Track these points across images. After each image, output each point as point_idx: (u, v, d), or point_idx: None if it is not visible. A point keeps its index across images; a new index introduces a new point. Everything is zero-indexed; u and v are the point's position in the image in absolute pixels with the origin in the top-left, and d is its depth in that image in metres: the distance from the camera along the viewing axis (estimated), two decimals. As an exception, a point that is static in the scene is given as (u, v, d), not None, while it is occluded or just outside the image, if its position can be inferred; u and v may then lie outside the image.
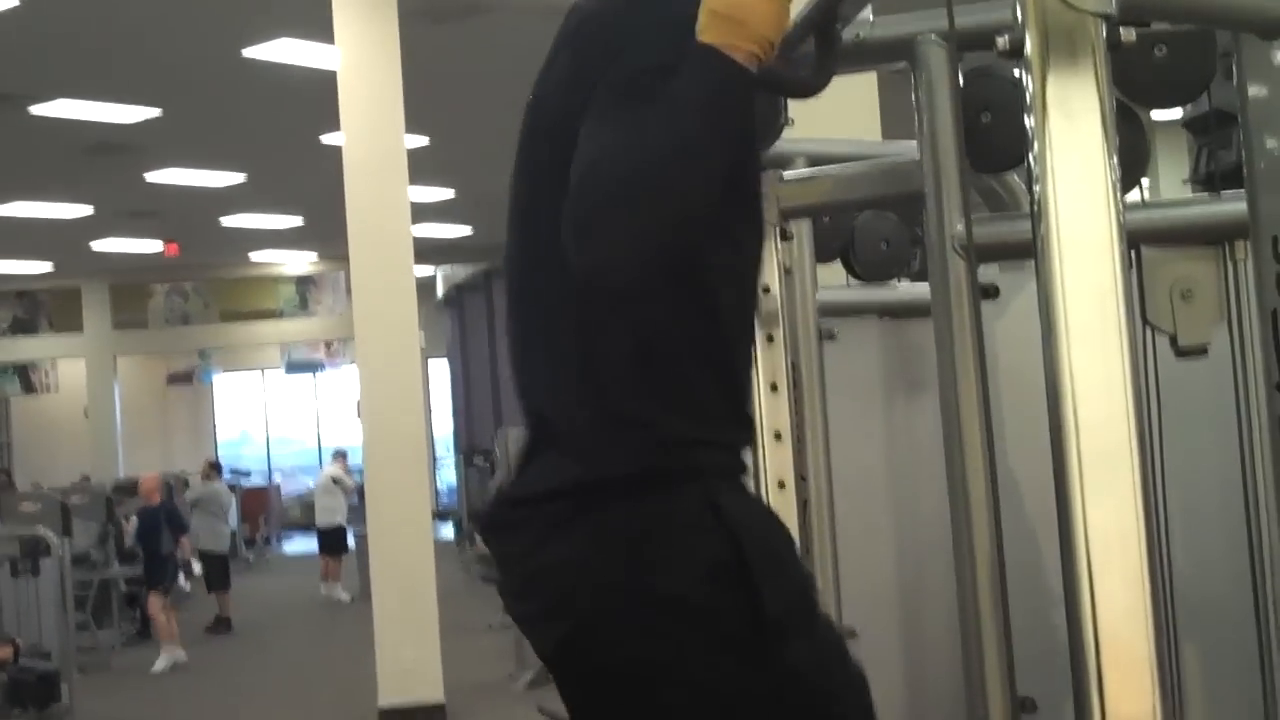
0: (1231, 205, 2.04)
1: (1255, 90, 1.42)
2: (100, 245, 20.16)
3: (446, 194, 17.49)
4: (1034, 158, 1.27)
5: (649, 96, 1.70)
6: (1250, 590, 2.38)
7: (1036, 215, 1.28)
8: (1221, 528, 2.54)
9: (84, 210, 17.48)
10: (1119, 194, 1.26)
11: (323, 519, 16.69)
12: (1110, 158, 1.27)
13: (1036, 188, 1.28)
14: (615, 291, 1.80)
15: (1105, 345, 1.25)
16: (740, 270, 1.94)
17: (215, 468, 16.39)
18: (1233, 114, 1.64)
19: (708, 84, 1.71)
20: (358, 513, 14.63)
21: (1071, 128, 1.27)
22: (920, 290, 3.00)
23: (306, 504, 24.73)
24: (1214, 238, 2.37)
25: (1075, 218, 1.26)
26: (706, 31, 1.72)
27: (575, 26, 1.93)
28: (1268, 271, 1.39)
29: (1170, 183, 11.15)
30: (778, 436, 2.68)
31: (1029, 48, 1.28)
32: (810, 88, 2.23)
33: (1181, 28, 2.35)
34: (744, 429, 1.97)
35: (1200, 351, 2.36)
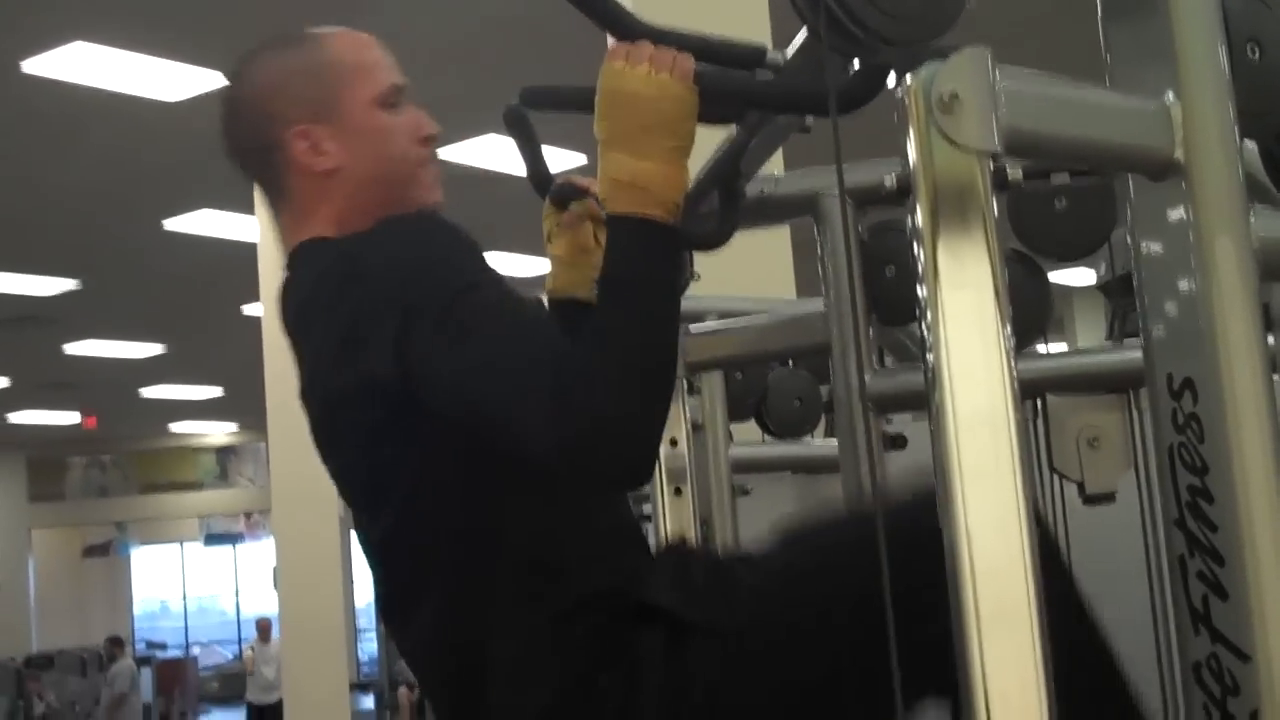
0: (1134, 353, 2.04)
1: (1142, 225, 1.43)
2: (17, 417, 19.94)
3: (369, 362, 17.45)
4: (922, 295, 1.27)
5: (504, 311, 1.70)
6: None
7: (927, 354, 1.27)
8: (1144, 679, 2.51)
9: (1, 382, 17.31)
10: (1008, 327, 1.25)
11: (265, 694, 15.06)
12: (1000, 295, 1.27)
13: (926, 326, 1.28)
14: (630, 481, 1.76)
15: (1000, 495, 1.23)
16: None
17: (118, 644, 15.97)
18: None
19: (643, 250, 1.69)
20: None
21: (959, 266, 1.27)
22: (833, 445, 2.98)
23: (225, 676, 24.23)
24: (1119, 385, 2.38)
25: (964, 354, 1.26)
26: (613, 202, 1.71)
27: (296, 313, 1.89)
28: (1164, 408, 1.39)
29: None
30: (687, 591, 2.64)
31: (916, 187, 1.28)
32: (712, 242, 2.24)
33: (1082, 181, 2.39)
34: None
35: (1108, 499, 2.36)
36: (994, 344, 1.26)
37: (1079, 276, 12.37)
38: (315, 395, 1.86)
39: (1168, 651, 2.29)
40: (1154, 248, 1.42)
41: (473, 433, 1.70)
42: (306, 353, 1.86)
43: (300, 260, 1.88)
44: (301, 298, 1.86)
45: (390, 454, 1.78)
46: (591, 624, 1.75)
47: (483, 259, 1.76)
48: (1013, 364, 1.25)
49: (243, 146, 1.94)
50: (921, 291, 1.27)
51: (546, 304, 2.18)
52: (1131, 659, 2.55)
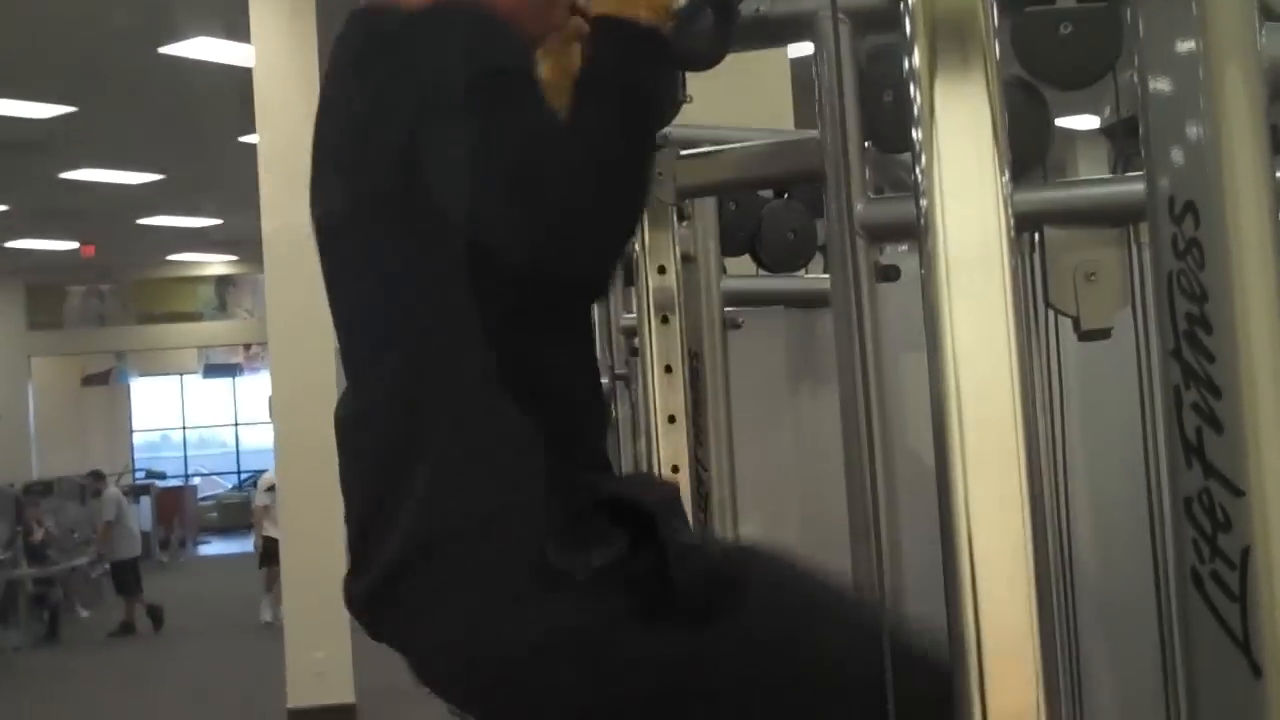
0: (1136, 185, 1.97)
1: (1149, 49, 1.37)
2: (15, 244, 19.87)
3: (367, 195, 17.33)
4: (917, 112, 1.21)
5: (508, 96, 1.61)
6: (1153, 578, 2.33)
7: (919, 182, 1.21)
8: (1134, 518, 2.48)
9: (-2, 208, 17.25)
10: (1004, 152, 1.19)
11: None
12: (998, 118, 1.21)
13: (920, 146, 1.21)
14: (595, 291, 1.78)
15: (991, 333, 1.18)
16: None
17: (99, 477, 16.20)
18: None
19: (624, 52, 1.64)
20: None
21: (956, 88, 1.20)
22: (826, 281, 2.93)
23: (225, 506, 24.46)
24: (1120, 219, 2.31)
25: (959, 179, 1.20)
26: (601, 2, 1.66)
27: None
28: (1164, 233, 1.33)
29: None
30: (671, 420, 2.60)
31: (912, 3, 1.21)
32: (706, 60, 2.17)
33: (1088, 4, 2.31)
34: None
35: (1104, 335, 2.31)
36: (989, 169, 1.20)
37: (1083, 122, 12.20)
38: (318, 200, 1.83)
39: (1158, 490, 2.26)
40: (1162, 67, 1.36)
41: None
42: (314, 143, 1.82)
43: (347, 27, 1.82)
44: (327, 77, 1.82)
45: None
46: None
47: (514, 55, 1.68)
48: (1008, 197, 1.19)
49: None
50: (916, 115, 1.21)
51: None
52: (1122, 502, 2.53)
